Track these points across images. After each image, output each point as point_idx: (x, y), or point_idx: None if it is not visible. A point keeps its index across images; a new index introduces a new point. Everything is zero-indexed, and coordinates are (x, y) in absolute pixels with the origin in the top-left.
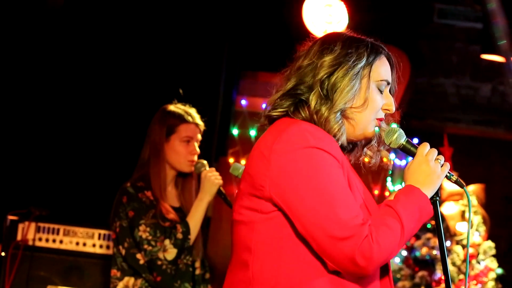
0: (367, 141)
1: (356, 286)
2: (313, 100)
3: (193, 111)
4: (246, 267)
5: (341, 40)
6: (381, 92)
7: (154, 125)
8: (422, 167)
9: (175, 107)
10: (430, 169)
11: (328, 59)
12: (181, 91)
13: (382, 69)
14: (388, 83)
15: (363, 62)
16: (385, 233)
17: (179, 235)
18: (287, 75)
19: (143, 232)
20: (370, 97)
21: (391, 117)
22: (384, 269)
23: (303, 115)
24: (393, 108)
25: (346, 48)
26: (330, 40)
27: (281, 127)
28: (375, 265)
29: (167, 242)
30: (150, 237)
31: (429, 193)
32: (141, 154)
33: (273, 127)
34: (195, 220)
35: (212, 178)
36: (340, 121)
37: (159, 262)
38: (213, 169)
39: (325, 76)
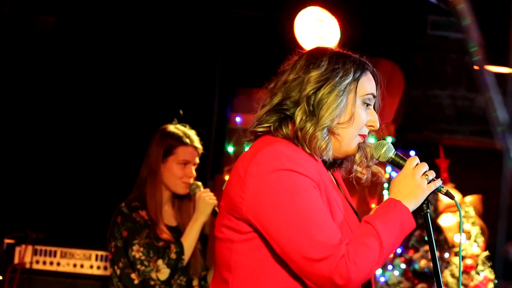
0: (350, 157)
1: None
2: (298, 116)
3: (192, 133)
4: (226, 284)
5: (328, 55)
6: (367, 105)
7: (153, 145)
8: (406, 180)
9: (175, 128)
10: (415, 182)
11: (314, 74)
12: (181, 111)
13: (368, 84)
14: (374, 96)
15: (350, 78)
16: (363, 253)
17: (173, 255)
18: (272, 89)
19: (136, 252)
20: (355, 112)
21: (385, 130)
22: (366, 285)
23: (285, 132)
24: (377, 125)
25: (333, 63)
26: (317, 55)
27: (258, 148)
28: (353, 284)
29: (160, 262)
30: (143, 257)
31: (412, 206)
32: (139, 174)
33: (253, 146)
34: (189, 240)
35: (206, 198)
36: (327, 137)
37: (152, 282)
38: (208, 189)
39: (311, 91)
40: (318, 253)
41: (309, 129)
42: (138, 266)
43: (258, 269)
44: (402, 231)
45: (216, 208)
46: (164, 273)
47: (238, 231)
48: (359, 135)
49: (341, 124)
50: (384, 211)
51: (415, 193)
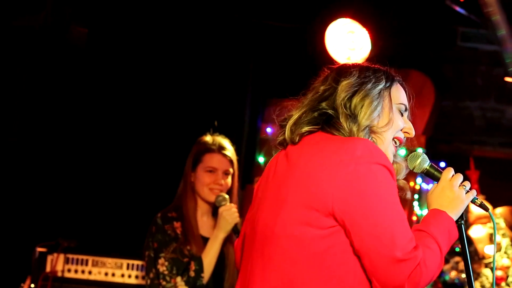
0: None
1: None
2: (343, 119)
3: (225, 141)
4: (290, 284)
5: (358, 67)
6: (401, 115)
7: (188, 156)
8: (445, 192)
9: (207, 138)
10: (454, 194)
11: (347, 82)
12: (216, 122)
13: (400, 93)
14: (406, 109)
15: (382, 84)
16: (430, 256)
17: (191, 273)
18: (303, 101)
19: (161, 265)
20: (393, 117)
21: (416, 142)
22: None
23: (342, 131)
24: (413, 133)
25: (364, 72)
26: (347, 67)
27: (339, 145)
28: None
29: (178, 279)
30: (166, 272)
31: (454, 217)
32: (179, 184)
33: (320, 141)
34: (209, 257)
35: (227, 217)
36: (371, 139)
37: None
38: (232, 205)
39: (346, 97)
40: (399, 253)
41: (355, 131)
42: (161, 281)
43: (329, 267)
44: (450, 240)
45: (238, 226)
46: None
47: (316, 226)
48: (395, 138)
49: (380, 128)
50: (433, 219)
51: (455, 204)
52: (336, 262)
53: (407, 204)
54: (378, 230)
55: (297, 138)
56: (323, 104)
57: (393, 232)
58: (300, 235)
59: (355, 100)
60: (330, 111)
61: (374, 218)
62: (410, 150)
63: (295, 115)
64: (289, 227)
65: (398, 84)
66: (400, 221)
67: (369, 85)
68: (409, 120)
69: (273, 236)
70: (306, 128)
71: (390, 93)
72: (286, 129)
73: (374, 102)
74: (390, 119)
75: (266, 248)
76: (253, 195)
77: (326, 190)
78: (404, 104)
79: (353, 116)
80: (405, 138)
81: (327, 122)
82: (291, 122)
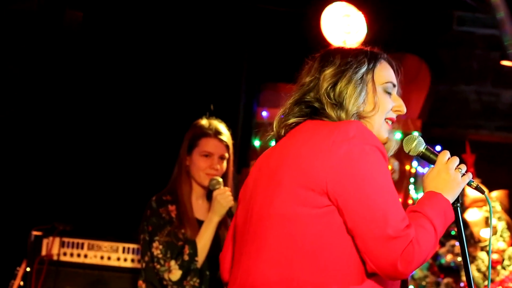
0: None
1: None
2: (329, 109)
3: (221, 126)
4: (288, 264)
5: (339, 52)
6: (389, 94)
7: (183, 139)
8: (441, 175)
9: (203, 122)
10: (450, 176)
11: (329, 71)
12: (212, 106)
13: (385, 72)
14: (394, 85)
15: (364, 68)
16: (423, 235)
17: (185, 257)
18: (290, 94)
19: (155, 249)
20: (379, 100)
21: (412, 126)
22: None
23: (331, 120)
24: (403, 109)
25: (345, 58)
26: (329, 54)
27: (332, 127)
28: (413, 268)
29: (172, 263)
30: (160, 255)
31: (450, 200)
32: (174, 168)
33: (310, 128)
34: (204, 241)
35: (221, 200)
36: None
37: (165, 282)
38: (226, 189)
39: (329, 87)
40: (390, 231)
41: (345, 118)
42: (155, 264)
43: (325, 247)
44: (446, 221)
45: (232, 210)
46: (175, 274)
47: (312, 206)
48: (386, 119)
49: (368, 113)
50: (428, 201)
51: (451, 186)
52: (332, 242)
53: (403, 188)
54: (370, 210)
55: (284, 130)
56: (309, 96)
57: (385, 211)
58: (296, 214)
59: (338, 88)
60: (316, 103)
61: (366, 198)
62: (406, 134)
63: (282, 109)
64: (284, 207)
65: (383, 62)
66: (392, 201)
67: (351, 72)
68: (399, 96)
69: (269, 217)
70: (292, 120)
71: (373, 75)
72: (274, 125)
73: (357, 88)
74: (375, 104)
75: (261, 229)
76: (241, 192)
77: (320, 170)
78: (391, 82)
79: (339, 105)
80: (396, 117)
81: (314, 113)
82: (277, 117)
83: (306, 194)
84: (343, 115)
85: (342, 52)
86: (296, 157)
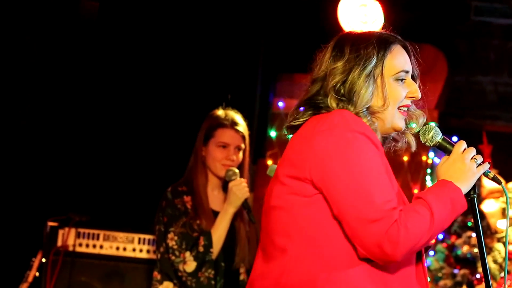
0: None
1: (390, 276)
2: (333, 103)
3: (237, 116)
4: (283, 253)
5: (350, 42)
6: (402, 81)
7: (200, 130)
8: (456, 164)
9: (219, 112)
10: (465, 166)
11: (339, 65)
12: (229, 96)
13: (396, 60)
14: (407, 72)
15: (374, 61)
16: (413, 218)
17: (200, 248)
18: (306, 88)
19: (170, 240)
20: (389, 94)
21: (428, 116)
22: (418, 259)
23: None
24: (418, 94)
25: (355, 51)
26: (340, 44)
27: (320, 117)
28: (402, 250)
29: (187, 254)
30: (175, 247)
31: (464, 189)
32: (190, 158)
33: (308, 123)
34: (219, 232)
35: (237, 191)
36: (370, 119)
37: (179, 274)
38: (242, 180)
39: (339, 83)
40: (373, 214)
41: (352, 110)
42: (170, 255)
43: (318, 234)
44: (454, 209)
45: (248, 201)
46: (190, 265)
47: (302, 195)
48: (400, 107)
49: (378, 108)
50: (435, 188)
51: (466, 176)
52: (324, 229)
53: (419, 179)
54: (351, 194)
55: (291, 132)
56: (320, 96)
57: (367, 195)
58: (288, 204)
59: (347, 85)
60: (323, 104)
61: (347, 183)
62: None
63: (293, 109)
64: (279, 198)
65: (395, 48)
66: (376, 184)
67: (360, 66)
68: (417, 77)
69: (269, 209)
70: (297, 122)
71: (383, 68)
72: (285, 126)
73: (366, 83)
74: (385, 99)
75: (264, 222)
76: None
77: (305, 159)
78: (403, 70)
79: (347, 100)
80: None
81: (318, 108)
82: (290, 116)
83: (295, 184)
84: (351, 109)
85: (353, 42)
86: (289, 149)
